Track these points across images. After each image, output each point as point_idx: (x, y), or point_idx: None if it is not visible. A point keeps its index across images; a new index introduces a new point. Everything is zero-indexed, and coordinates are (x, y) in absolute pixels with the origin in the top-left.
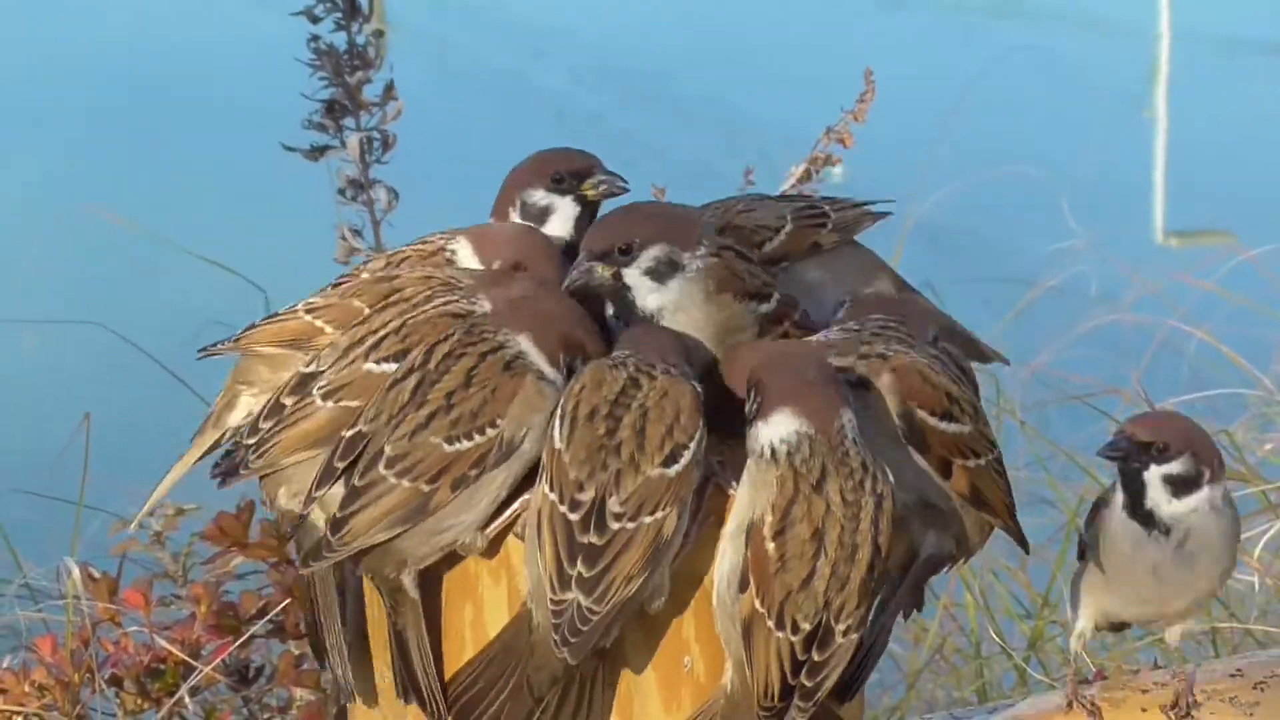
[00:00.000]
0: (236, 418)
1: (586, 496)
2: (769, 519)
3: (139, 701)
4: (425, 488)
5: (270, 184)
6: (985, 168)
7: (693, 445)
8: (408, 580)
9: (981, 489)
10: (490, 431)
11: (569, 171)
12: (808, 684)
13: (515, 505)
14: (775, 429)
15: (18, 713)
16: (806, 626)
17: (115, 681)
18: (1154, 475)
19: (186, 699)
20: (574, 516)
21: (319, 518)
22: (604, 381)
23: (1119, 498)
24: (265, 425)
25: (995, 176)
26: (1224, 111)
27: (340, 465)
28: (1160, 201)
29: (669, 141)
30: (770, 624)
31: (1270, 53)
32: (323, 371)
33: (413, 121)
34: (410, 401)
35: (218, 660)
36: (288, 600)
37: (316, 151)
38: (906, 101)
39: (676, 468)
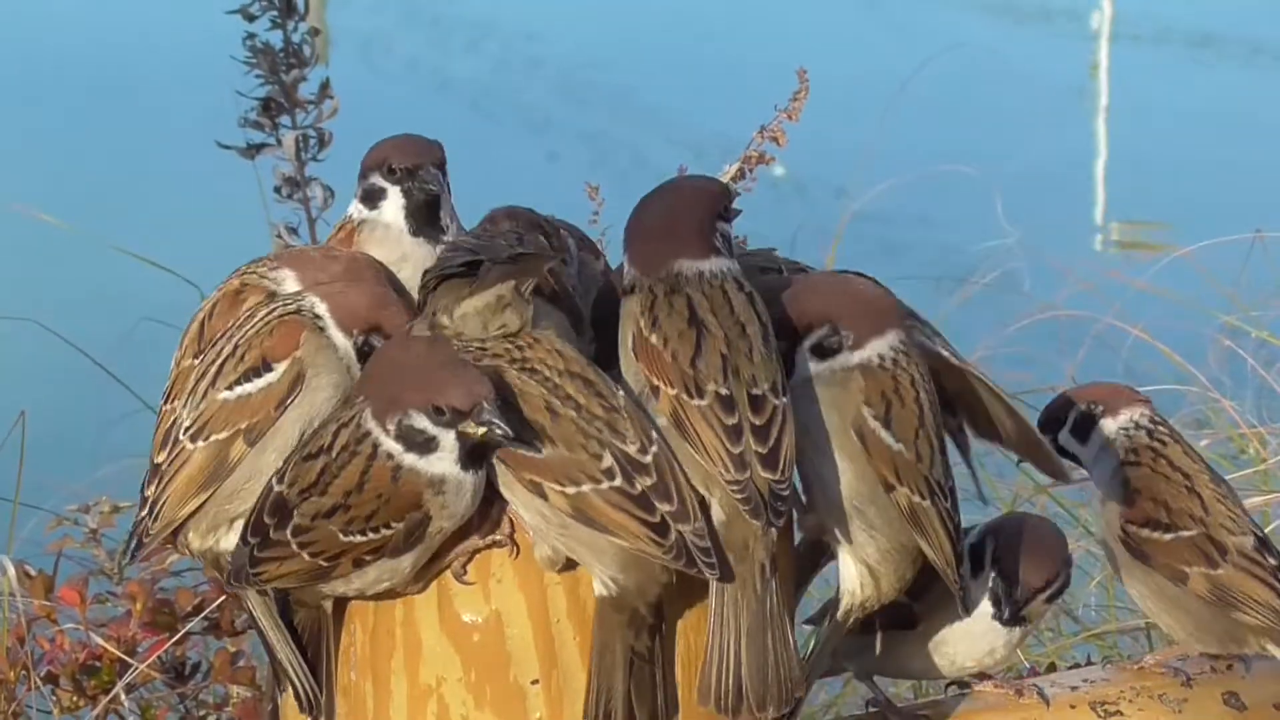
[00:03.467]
0: None
1: (726, 390)
2: (641, 322)
3: (75, 699)
4: (324, 564)
5: (205, 181)
6: (923, 163)
7: None
8: (326, 604)
9: None
10: (386, 531)
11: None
12: (761, 450)
13: (454, 552)
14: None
15: None
16: (721, 390)
17: (51, 679)
18: None
19: (122, 696)
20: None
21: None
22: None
23: None
24: (149, 491)
25: (933, 172)
26: (1161, 107)
27: (270, 522)
28: (1101, 193)
29: (604, 138)
30: (685, 397)
31: (1204, 45)
32: (179, 418)
33: (348, 119)
34: (315, 485)
35: (153, 657)
36: (223, 597)
37: (252, 149)
38: (844, 97)
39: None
